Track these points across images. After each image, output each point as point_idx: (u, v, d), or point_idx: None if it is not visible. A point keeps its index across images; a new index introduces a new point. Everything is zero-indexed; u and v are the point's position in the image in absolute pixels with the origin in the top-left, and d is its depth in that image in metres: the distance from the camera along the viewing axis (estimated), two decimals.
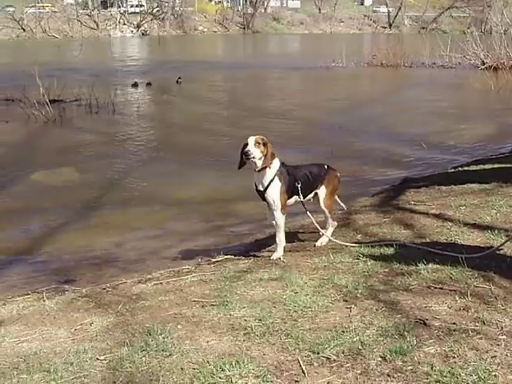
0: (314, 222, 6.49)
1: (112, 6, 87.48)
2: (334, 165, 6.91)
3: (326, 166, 6.63)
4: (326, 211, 6.55)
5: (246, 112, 19.68)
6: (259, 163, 6.10)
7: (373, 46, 42.04)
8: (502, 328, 3.92)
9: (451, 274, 4.93)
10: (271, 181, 6.19)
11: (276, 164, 6.24)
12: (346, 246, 6.24)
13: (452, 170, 11.10)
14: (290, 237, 6.75)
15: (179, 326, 4.28)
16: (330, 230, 6.64)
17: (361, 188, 10.17)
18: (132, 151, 13.93)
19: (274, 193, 6.19)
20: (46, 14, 73.90)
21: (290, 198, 6.36)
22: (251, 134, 6.24)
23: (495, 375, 3.34)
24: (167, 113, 21.63)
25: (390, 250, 5.78)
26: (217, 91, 26.25)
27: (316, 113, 19.36)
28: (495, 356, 3.55)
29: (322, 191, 6.50)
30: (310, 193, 6.51)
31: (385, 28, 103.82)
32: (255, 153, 5.99)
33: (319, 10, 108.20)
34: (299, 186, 6.29)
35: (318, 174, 6.51)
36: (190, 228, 8.73)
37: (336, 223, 6.74)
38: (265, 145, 6.07)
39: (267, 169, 6.14)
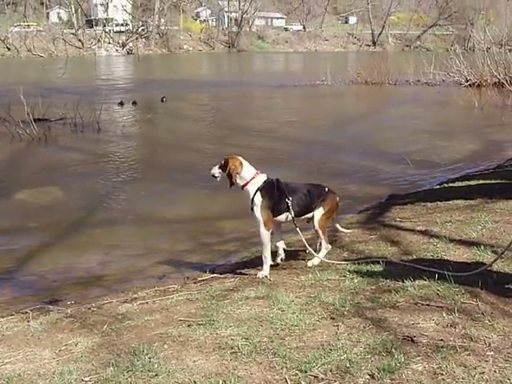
0: (306, 244, 6.42)
1: (97, 25, 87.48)
2: (320, 182, 6.91)
3: (326, 189, 6.57)
4: (320, 232, 6.47)
5: (231, 130, 19.70)
6: (239, 182, 6.36)
7: (357, 64, 42.29)
8: (489, 344, 3.91)
9: (438, 290, 4.93)
10: (253, 197, 6.27)
11: (258, 180, 6.34)
12: (336, 263, 6.23)
13: (437, 187, 11.16)
14: (275, 253, 6.70)
15: (165, 346, 4.24)
16: (323, 252, 6.52)
17: (346, 205, 10.14)
18: (117, 170, 13.87)
19: (255, 208, 6.29)
20: (31, 33, 73.69)
21: (279, 214, 6.35)
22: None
23: None
24: (152, 131, 21.59)
25: (377, 267, 5.77)
26: (202, 110, 26.26)
27: (301, 131, 19.41)
28: (483, 372, 3.53)
29: (318, 212, 6.44)
30: (307, 212, 6.46)
31: (369, 46, 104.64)
32: (215, 172, 6.45)
33: (304, 28, 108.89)
34: (289, 202, 6.28)
35: (316, 194, 6.47)
36: (176, 246, 8.69)
37: (330, 246, 6.61)
38: (226, 165, 6.34)
39: (248, 186, 6.33)
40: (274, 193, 6.31)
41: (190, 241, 8.97)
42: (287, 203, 6.28)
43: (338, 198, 6.65)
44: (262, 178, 6.38)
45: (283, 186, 6.36)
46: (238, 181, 6.36)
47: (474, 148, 16.08)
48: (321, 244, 6.56)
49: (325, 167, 13.11)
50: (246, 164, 6.44)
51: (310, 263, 6.45)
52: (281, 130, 19.59)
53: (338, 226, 6.98)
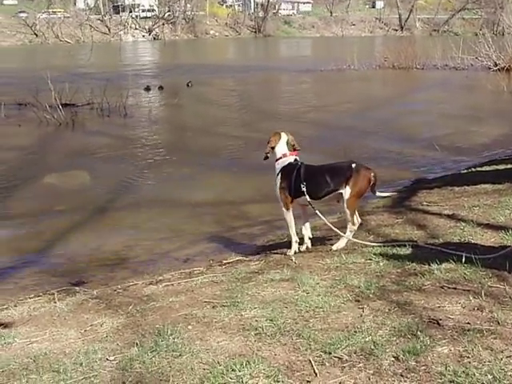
0: (329, 225, 6.40)
1: (124, 11, 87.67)
2: None
3: (353, 165, 6.29)
4: (348, 212, 6.30)
5: (258, 114, 19.66)
6: (273, 156, 6.61)
7: (384, 48, 41.81)
8: None
9: (465, 273, 4.86)
10: (276, 176, 6.45)
11: (284, 160, 6.47)
12: (361, 243, 6.17)
13: (465, 171, 11.03)
14: (299, 237, 6.67)
15: (190, 327, 4.24)
16: (348, 233, 6.38)
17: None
18: (144, 154, 13.92)
19: (275, 188, 6.46)
20: (58, 20, 74.16)
21: (298, 196, 6.33)
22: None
23: (511, 375, 3.28)
24: (179, 116, 21.64)
25: (403, 251, 5.71)
26: (228, 94, 26.21)
27: (328, 115, 19.31)
28: (510, 356, 3.47)
29: (346, 192, 6.22)
30: (329, 193, 6.34)
31: (396, 30, 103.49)
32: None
33: (330, 13, 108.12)
34: (303, 186, 6.26)
35: (340, 174, 6.31)
36: (202, 229, 8.70)
37: (355, 227, 6.42)
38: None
39: (276, 164, 6.53)
40: (292, 175, 6.32)
41: (215, 224, 8.99)
42: (301, 187, 6.26)
43: (371, 174, 6.29)
44: (287, 160, 6.45)
45: (302, 170, 6.33)
46: (271, 154, 6.59)
47: (502, 132, 15.86)
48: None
49: (351, 151, 12.99)
50: (282, 142, 6.58)
51: (334, 246, 6.37)
52: (307, 115, 19.52)
53: (378, 193, 6.56)
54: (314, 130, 16.56)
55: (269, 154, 6.59)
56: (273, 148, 6.56)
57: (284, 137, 6.62)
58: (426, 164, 12.54)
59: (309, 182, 6.29)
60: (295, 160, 6.48)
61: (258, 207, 9.61)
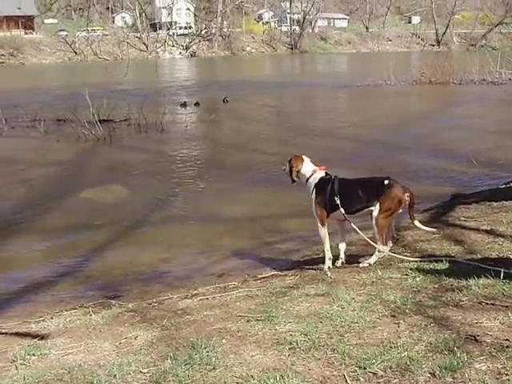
0: (365, 237, 6.34)
1: (161, 29, 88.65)
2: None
3: (386, 182, 6.21)
4: (376, 230, 6.22)
5: (294, 130, 19.66)
6: (301, 178, 6.61)
7: (421, 63, 41.65)
8: None
9: (503, 289, 4.77)
10: (311, 192, 6.42)
11: (316, 176, 6.46)
12: (404, 259, 6.08)
13: (503, 186, 10.86)
14: (337, 252, 6.62)
15: (224, 341, 4.22)
16: (376, 255, 6.27)
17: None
18: (180, 169, 14.01)
19: (312, 204, 6.43)
20: (97, 37, 75.18)
21: (333, 210, 6.30)
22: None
23: None
24: (215, 132, 21.74)
25: (440, 266, 5.63)
26: (264, 110, 26.28)
27: (364, 130, 19.22)
28: None
29: (375, 209, 6.15)
30: (363, 208, 6.27)
31: (433, 46, 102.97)
32: (286, 168, 6.68)
33: (367, 28, 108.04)
34: (337, 199, 6.21)
35: (372, 188, 6.27)
36: (238, 244, 8.69)
37: (386, 248, 6.29)
38: (290, 162, 6.62)
39: (308, 182, 6.50)
40: (326, 189, 6.29)
41: (251, 239, 8.98)
42: (335, 200, 6.22)
43: (404, 194, 6.16)
44: (319, 175, 6.45)
45: (335, 183, 6.31)
46: (300, 177, 6.56)
47: None
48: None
49: (387, 166, 12.90)
50: (306, 161, 6.56)
51: (361, 264, 6.26)
52: (344, 130, 19.48)
53: (416, 222, 6.42)
54: (350, 146, 16.52)
55: (296, 178, 6.60)
56: (298, 171, 6.56)
57: (306, 158, 6.62)
58: (463, 179, 12.40)
59: (342, 195, 6.25)
60: (326, 174, 6.48)
61: (293, 222, 9.58)
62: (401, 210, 6.28)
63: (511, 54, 33.39)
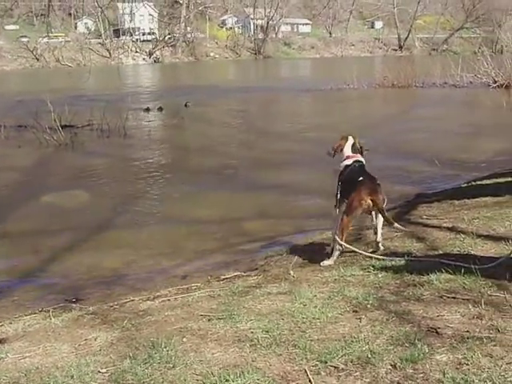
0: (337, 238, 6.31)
1: (124, 35, 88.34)
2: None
3: (360, 179, 6.31)
4: (335, 226, 6.35)
5: (257, 134, 19.67)
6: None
7: (384, 67, 42.00)
8: None
9: (464, 283, 4.80)
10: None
11: (344, 163, 6.68)
12: (366, 255, 6.11)
13: (465, 185, 10.99)
14: (300, 251, 6.64)
15: (184, 339, 4.18)
16: (334, 254, 6.29)
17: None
18: (143, 173, 13.89)
19: None
20: (59, 44, 74.77)
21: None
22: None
23: (510, 381, 3.21)
24: (178, 136, 21.65)
25: (402, 263, 5.66)
26: (228, 114, 26.23)
27: (328, 133, 19.19)
28: (510, 362, 3.41)
29: (345, 204, 6.35)
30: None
31: (396, 50, 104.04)
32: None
33: (330, 33, 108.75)
34: (339, 186, 6.51)
35: (351, 184, 6.35)
36: (201, 246, 8.64)
37: (339, 248, 6.26)
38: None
39: (339, 165, 6.76)
40: (342, 177, 6.52)
41: (214, 241, 8.93)
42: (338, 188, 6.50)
43: (367, 196, 6.14)
44: (346, 162, 6.66)
45: (347, 171, 6.55)
46: (338, 155, 6.79)
47: (502, 147, 15.80)
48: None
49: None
50: (348, 145, 6.73)
51: (322, 263, 6.23)
52: (307, 133, 19.50)
53: (396, 225, 6.39)
54: (314, 149, 16.53)
55: (336, 154, 6.78)
56: (341, 150, 6.74)
57: (350, 140, 6.77)
58: (426, 179, 12.49)
59: (343, 183, 6.46)
60: (354, 161, 6.60)
61: (257, 224, 9.58)
62: (360, 212, 6.27)
63: (472, 58, 33.82)
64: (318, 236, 7.95)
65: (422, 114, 23.83)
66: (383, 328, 4.03)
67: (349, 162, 6.61)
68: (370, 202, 6.16)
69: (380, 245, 6.46)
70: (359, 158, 6.66)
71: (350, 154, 6.67)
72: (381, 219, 6.36)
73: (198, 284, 6.29)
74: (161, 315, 4.88)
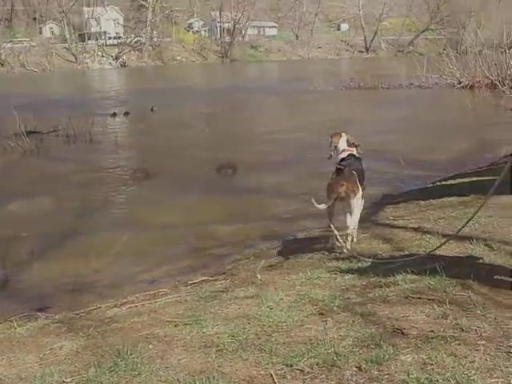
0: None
1: (90, 39, 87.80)
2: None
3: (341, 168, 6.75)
4: None
5: (223, 137, 19.73)
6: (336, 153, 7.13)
7: (350, 69, 42.32)
8: (480, 334, 3.82)
9: (429, 283, 4.84)
10: None
11: (340, 156, 7.00)
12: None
13: (431, 185, 11.09)
14: (268, 255, 6.64)
15: (150, 346, 4.15)
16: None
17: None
18: (110, 178, 13.80)
19: None
20: (24, 49, 74.06)
21: None
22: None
23: (474, 379, 3.24)
24: (145, 140, 21.50)
25: (368, 264, 5.69)
26: (194, 118, 26.24)
27: (295, 135, 19.34)
28: (474, 361, 3.45)
29: None
30: None
31: (362, 52, 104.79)
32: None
33: (296, 36, 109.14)
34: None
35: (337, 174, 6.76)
36: (168, 251, 8.62)
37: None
38: (331, 136, 7.20)
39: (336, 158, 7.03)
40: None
41: (182, 246, 8.91)
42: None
43: (338, 185, 6.47)
44: (342, 155, 6.94)
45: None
46: (334, 153, 7.06)
47: (467, 147, 16.02)
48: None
49: (318, 168, 13.00)
50: (342, 140, 7.05)
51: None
52: (273, 136, 19.52)
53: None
54: (280, 150, 16.58)
55: (332, 153, 7.06)
56: (336, 147, 7.02)
57: (344, 136, 7.08)
58: (392, 180, 12.58)
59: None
60: (349, 154, 6.87)
61: (226, 228, 9.57)
62: (334, 198, 6.39)
63: (437, 59, 34.21)
64: (286, 239, 7.96)
65: (388, 115, 23.99)
66: (349, 330, 4.05)
67: (344, 155, 6.88)
68: (339, 192, 6.40)
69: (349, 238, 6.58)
70: (354, 151, 6.97)
71: (346, 147, 6.97)
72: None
73: (165, 289, 6.27)
74: (127, 322, 4.85)
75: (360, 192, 6.55)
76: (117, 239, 9.45)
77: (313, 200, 6.21)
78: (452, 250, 5.96)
